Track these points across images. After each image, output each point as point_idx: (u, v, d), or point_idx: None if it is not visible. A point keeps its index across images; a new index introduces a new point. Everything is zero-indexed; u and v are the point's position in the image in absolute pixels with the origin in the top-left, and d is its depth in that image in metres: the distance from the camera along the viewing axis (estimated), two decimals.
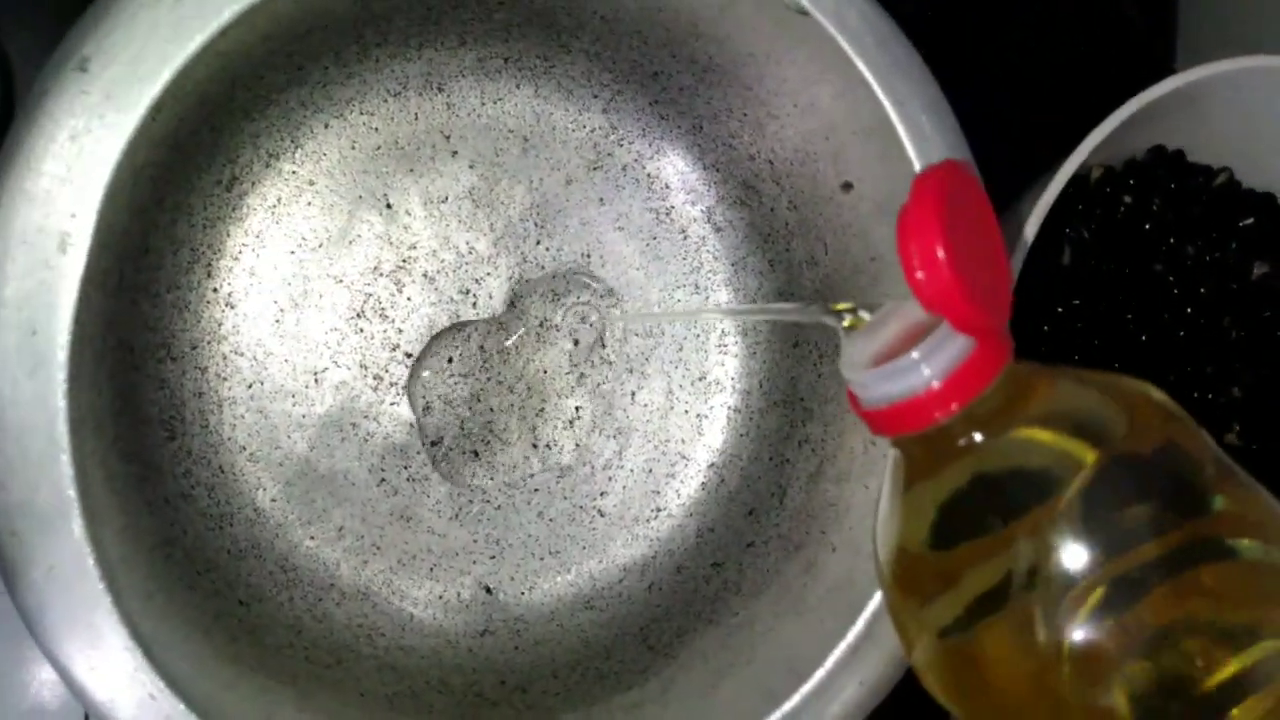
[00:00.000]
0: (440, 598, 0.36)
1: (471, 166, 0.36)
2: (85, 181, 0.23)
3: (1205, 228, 0.38)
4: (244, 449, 0.34)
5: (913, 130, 0.27)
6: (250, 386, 0.35)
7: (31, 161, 0.22)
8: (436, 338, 0.36)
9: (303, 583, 0.34)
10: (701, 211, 0.38)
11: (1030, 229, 0.32)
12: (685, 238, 0.38)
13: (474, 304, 0.36)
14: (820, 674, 0.26)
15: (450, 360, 0.36)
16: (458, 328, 0.36)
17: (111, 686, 0.23)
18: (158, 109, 0.24)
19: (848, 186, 0.31)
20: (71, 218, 0.23)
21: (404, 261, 0.36)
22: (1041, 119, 0.40)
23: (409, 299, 0.36)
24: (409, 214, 0.36)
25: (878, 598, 0.27)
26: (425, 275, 0.36)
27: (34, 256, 0.23)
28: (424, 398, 0.36)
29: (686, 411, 0.38)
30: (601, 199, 0.37)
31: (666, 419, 0.38)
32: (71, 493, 0.23)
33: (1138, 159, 0.38)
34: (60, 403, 0.23)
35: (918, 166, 0.27)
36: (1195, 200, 0.38)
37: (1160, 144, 0.38)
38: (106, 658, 0.23)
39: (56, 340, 0.23)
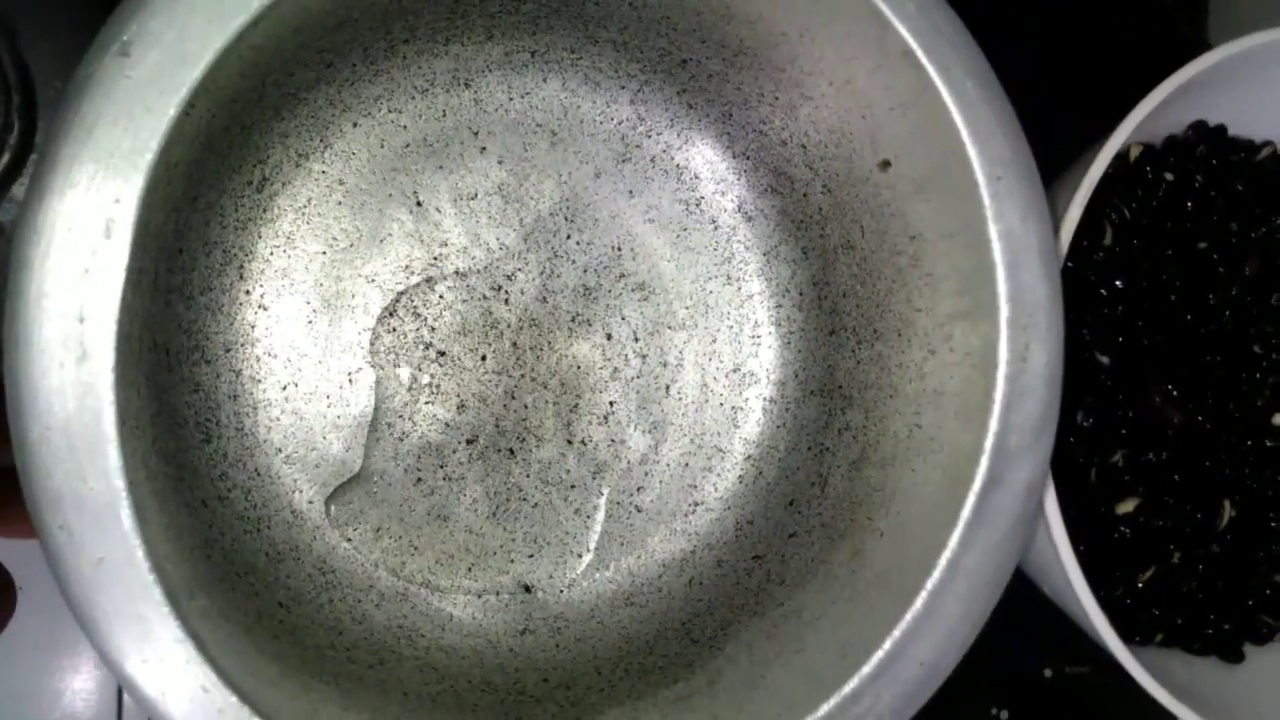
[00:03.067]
0: (479, 597, 0.35)
1: (500, 162, 0.36)
2: (129, 167, 0.23)
3: (1249, 203, 0.37)
4: (280, 451, 0.34)
5: (959, 97, 0.26)
6: (285, 389, 0.34)
7: (75, 148, 0.22)
8: (466, 331, 0.36)
9: (341, 584, 0.34)
10: (732, 201, 0.37)
11: (1074, 211, 0.31)
12: (716, 228, 0.38)
13: (506, 300, 0.36)
14: (878, 655, 0.25)
15: (484, 358, 0.36)
16: (490, 324, 0.36)
17: (164, 679, 0.22)
18: (194, 100, 0.24)
19: (885, 165, 0.30)
20: (116, 203, 0.23)
21: (435, 259, 0.36)
22: (1072, 98, 0.40)
23: (441, 297, 0.36)
24: (439, 211, 0.36)
25: (936, 575, 0.26)
26: (457, 273, 0.36)
27: (79, 244, 0.23)
28: (458, 396, 0.36)
29: (721, 404, 0.37)
30: (631, 191, 0.37)
31: (701, 412, 0.37)
32: (120, 483, 0.22)
33: (1178, 136, 0.38)
34: (107, 392, 0.23)
35: (965, 135, 0.26)
36: (1238, 176, 0.37)
37: (1201, 119, 0.37)
38: (158, 650, 0.22)
39: (104, 328, 0.23)
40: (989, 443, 0.26)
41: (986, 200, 0.27)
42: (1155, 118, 0.33)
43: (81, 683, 0.47)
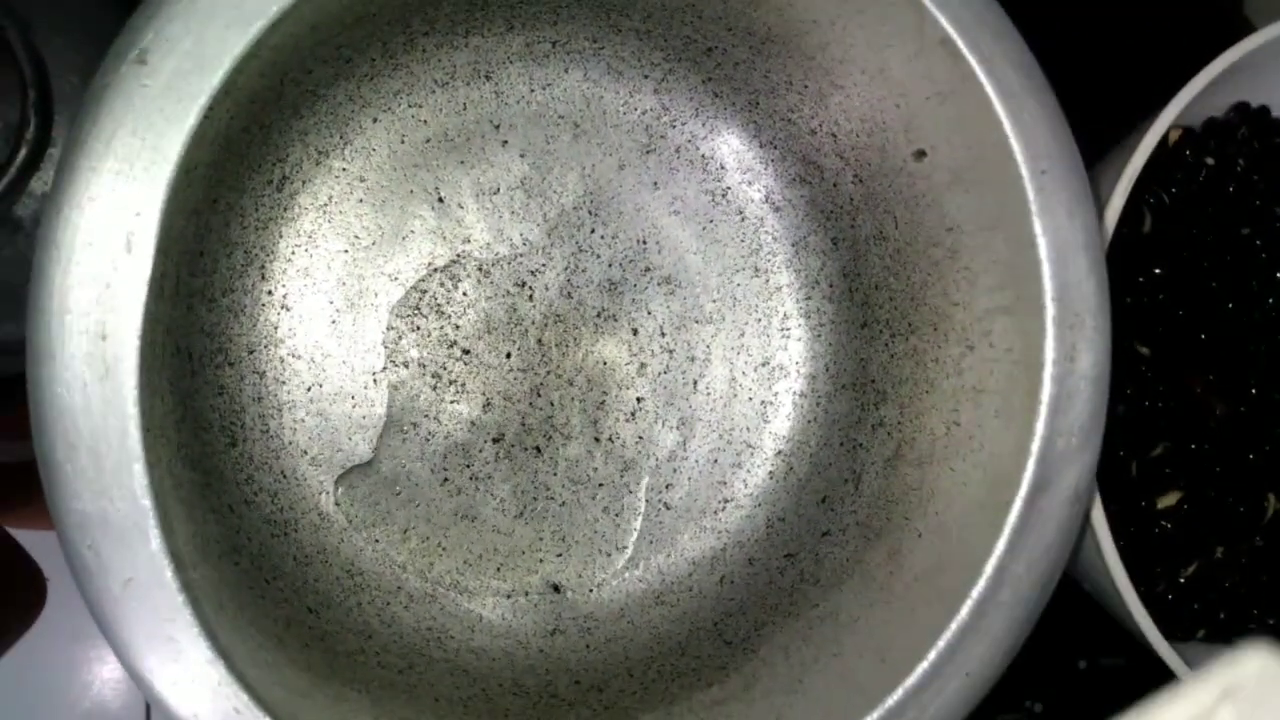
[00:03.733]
0: (508, 597, 0.35)
1: (522, 155, 0.36)
2: (149, 178, 0.22)
3: None
4: (305, 453, 0.34)
5: (1001, 88, 0.25)
6: (309, 390, 0.34)
7: (94, 160, 0.22)
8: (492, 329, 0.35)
9: (370, 587, 0.34)
10: (759, 191, 0.36)
11: (1117, 200, 0.30)
12: (743, 219, 0.37)
13: (530, 296, 0.36)
14: (923, 667, 0.25)
15: (509, 355, 0.35)
16: (514, 321, 0.35)
17: (195, 701, 0.22)
18: (213, 106, 0.23)
19: (921, 155, 0.29)
20: (136, 216, 0.22)
21: (458, 256, 0.35)
22: (1110, 82, 0.39)
23: (464, 294, 0.35)
24: (461, 207, 0.35)
25: (981, 584, 0.25)
26: (480, 269, 0.35)
27: (100, 259, 0.22)
28: (484, 393, 0.35)
29: (750, 399, 0.37)
30: (656, 183, 0.36)
31: (730, 407, 0.37)
32: (147, 502, 0.22)
33: (1218, 118, 0.37)
34: (132, 409, 0.22)
35: (1008, 127, 0.25)
36: None
37: (1243, 100, 0.36)
38: (188, 671, 0.22)
39: (126, 344, 0.22)
40: (1036, 446, 0.26)
41: (1031, 194, 0.26)
42: (1196, 101, 0.32)
43: (110, 673, 0.47)
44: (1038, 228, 0.26)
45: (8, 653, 0.39)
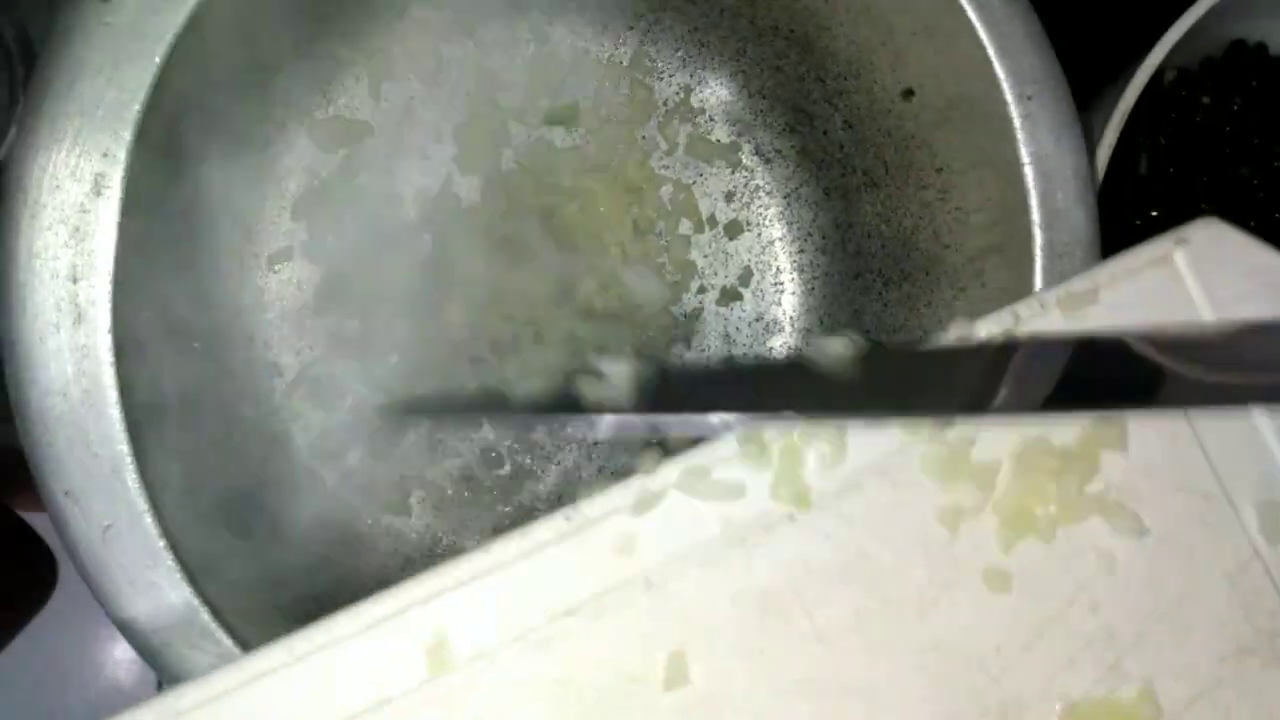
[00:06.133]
0: None
1: (509, 109, 0.35)
2: (115, 118, 0.22)
3: None
4: (297, 416, 0.33)
5: (984, 13, 0.25)
6: (298, 354, 0.34)
7: (59, 101, 0.21)
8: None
9: (364, 549, 0.34)
10: (749, 142, 0.36)
11: (1110, 135, 0.30)
12: (733, 172, 0.36)
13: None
14: None
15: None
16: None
17: (179, 648, 0.22)
18: (180, 49, 0.23)
19: (909, 94, 0.29)
20: (104, 157, 0.22)
21: (449, 225, 0.35)
22: (1103, 22, 0.38)
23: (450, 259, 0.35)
24: (445, 166, 0.35)
25: None
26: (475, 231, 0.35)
27: (68, 201, 0.22)
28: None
29: (745, 354, 0.36)
30: (643, 137, 0.36)
31: None
32: (124, 446, 0.22)
33: (1215, 57, 0.36)
34: (107, 355, 0.22)
35: (992, 52, 0.25)
36: None
37: (1240, 38, 0.35)
38: (172, 616, 0.22)
39: (99, 288, 0.22)
40: None
41: (1017, 121, 0.25)
42: (1191, 39, 0.31)
43: (122, 652, 0.47)
44: (1024, 155, 0.25)
45: (20, 632, 0.39)
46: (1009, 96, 0.25)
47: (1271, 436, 0.23)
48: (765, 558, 0.21)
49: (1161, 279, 0.23)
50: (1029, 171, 0.25)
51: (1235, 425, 0.23)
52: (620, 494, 0.21)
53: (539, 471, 0.35)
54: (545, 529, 0.20)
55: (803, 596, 0.21)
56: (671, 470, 0.21)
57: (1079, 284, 0.23)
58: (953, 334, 0.22)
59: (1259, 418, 0.23)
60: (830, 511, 0.21)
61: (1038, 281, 0.25)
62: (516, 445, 0.35)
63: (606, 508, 0.21)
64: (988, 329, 0.22)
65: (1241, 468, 0.23)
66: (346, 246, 0.34)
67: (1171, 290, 0.23)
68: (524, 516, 0.34)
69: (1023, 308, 0.23)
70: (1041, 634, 0.22)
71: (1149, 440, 0.23)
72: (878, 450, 0.22)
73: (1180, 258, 0.23)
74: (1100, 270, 0.23)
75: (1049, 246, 0.25)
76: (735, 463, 0.21)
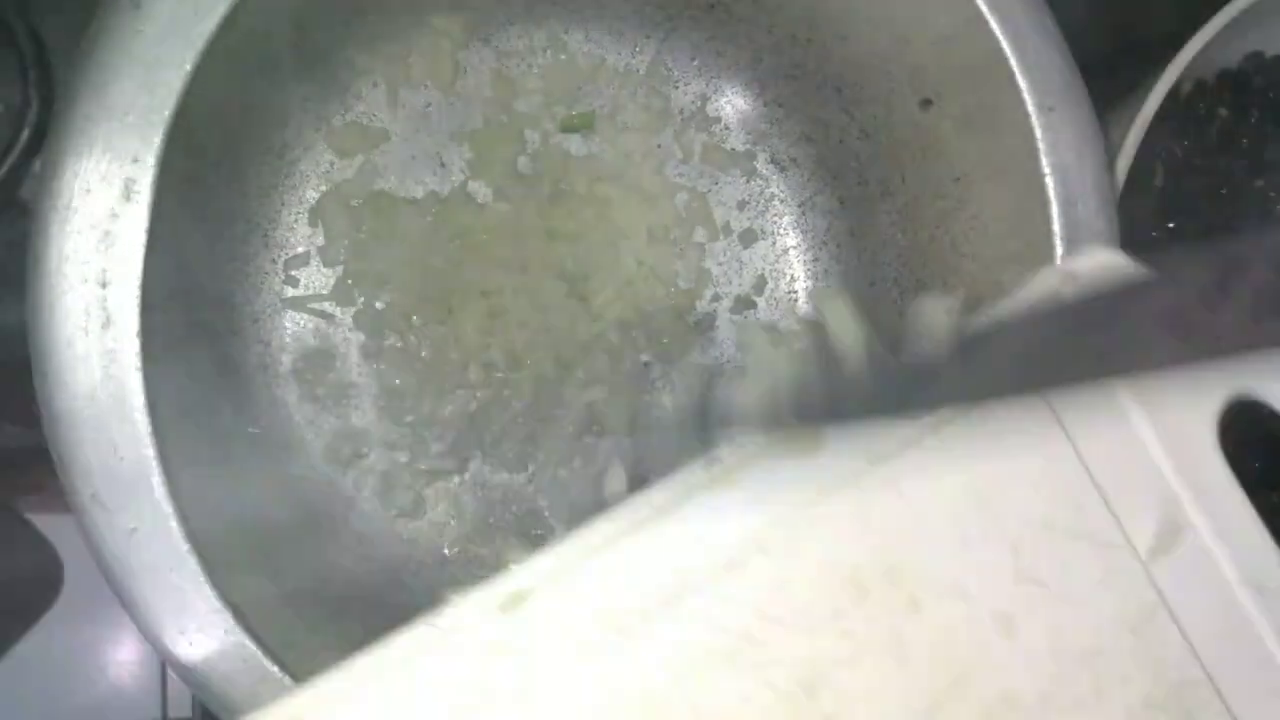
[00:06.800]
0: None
1: (525, 119, 0.35)
2: (146, 124, 0.22)
3: None
4: (312, 421, 0.34)
5: (1007, 25, 0.25)
6: (315, 357, 0.34)
7: (90, 107, 0.22)
8: None
9: (379, 554, 0.34)
10: (765, 150, 0.36)
11: (1129, 147, 0.30)
12: (748, 180, 0.36)
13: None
14: None
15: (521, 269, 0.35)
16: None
17: (204, 650, 0.22)
18: (211, 56, 0.23)
19: (927, 104, 0.29)
20: (134, 163, 0.22)
21: (464, 231, 0.35)
22: (1122, 33, 0.38)
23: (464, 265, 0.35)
24: (462, 172, 0.35)
25: None
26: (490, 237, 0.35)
27: (98, 206, 0.22)
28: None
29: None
30: (659, 145, 0.36)
31: (742, 376, 0.36)
32: (150, 451, 0.22)
33: (1232, 69, 0.36)
34: (134, 359, 0.22)
35: (1014, 64, 0.25)
36: None
37: (1258, 50, 0.36)
38: (196, 621, 0.22)
39: (128, 292, 0.22)
40: None
41: (1039, 133, 0.25)
42: (1209, 52, 0.32)
43: (126, 655, 0.47)
44: (1046, 167, 0.25)
45: (25, 635, 0.39)
46: (1031, 109, 0.25)
47: (1173, 476, 0.22)
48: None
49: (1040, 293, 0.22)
50: (1050, 182, 0.26)
51: (1134, 465, 0.22)
52: (489, 593, 0.20)
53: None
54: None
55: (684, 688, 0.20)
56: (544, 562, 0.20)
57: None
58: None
59: (1158, 456, 0.22)
60: (708, 594, 0.20)
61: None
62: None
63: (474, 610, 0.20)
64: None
65: (1140, 508, 0.22)
66: (362, 252, 0.34)
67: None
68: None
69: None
70: (941, 705, 0.21)
71: (1045, 485, 0.22)
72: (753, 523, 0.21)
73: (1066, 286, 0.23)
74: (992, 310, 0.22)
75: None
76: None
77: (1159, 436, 0.23)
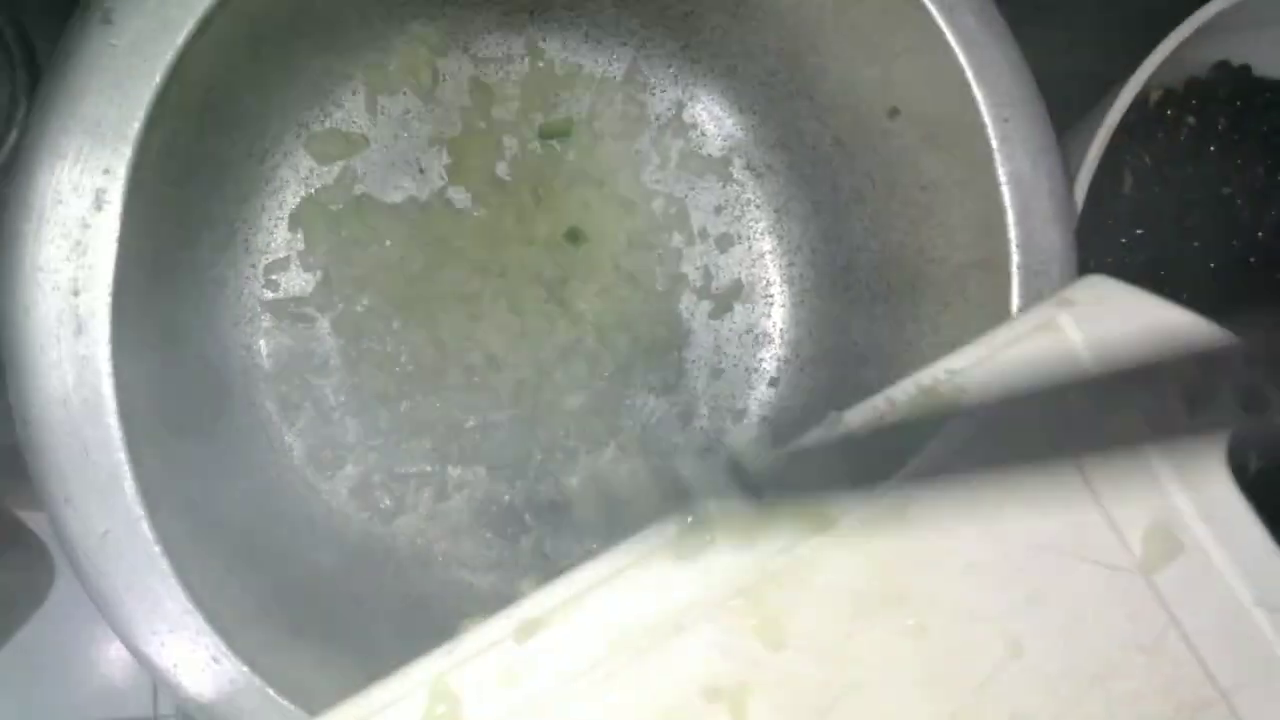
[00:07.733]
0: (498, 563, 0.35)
1: (503, 126, 0.36)
2: (117, 137, 0.22)
3: (1276, 146, 0.36)
4: (293, 425, 0.34)
5: (962, 36, 0.25)
6: (295, 361, 0.34)
7: (62, 119, 0.22)
8: None
9: (359, 556, 0.34)
10: (740, 157, 0.37)
11: (1093, 154, 0.30)
12: (724, 186, 0.37)
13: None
14: None
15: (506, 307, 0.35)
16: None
17: (175, 652, 0.22)
18: (182, 68, 0.23)
19: (894, 112, 0.29)
20: (105, 174, 0.22)
21: (443, 237, 0.35)
22: (1089, 40, 0.39)
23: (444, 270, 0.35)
24: (441, 178, 0.35)
25: None
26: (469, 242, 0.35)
27: (70, 216, 0.22)
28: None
29: (735, 366, 0.37)
30: (636, 151, 0.36)
31: (716, 375, 0.37)
32: (121, 455, 0.22)
33: (1200, 78, 0.36)
34: (106, 365, 0.23)
35: (970, 75, 0.25)
36: (1264, 117, 0.36)
37: (1224, 59, 0.36)
38: (167, 621, 0.22)
39: (99, 300, 0.23)
40: None
41: (995, 143, 0.26)
42: (1177, 60, 0.32)
43: (117, 652, 0.48)
44: (1002, 175, 0.26)
45: (17, 631, 0.39)
46: (987, 118, 0.26)
47: (1181, 498, 0.22)
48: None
49: (1048, 344, 0.23)
50: (1006, 191, 0.26)
51: (1137, 486, 0.22)
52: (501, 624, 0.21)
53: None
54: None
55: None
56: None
57: (959, 360, 0.22)
58: (823, 428, 0.22)
59: (1165, 479, 0.22)
60: (718, 622, 0.21)
61: (1015, 297, 0.26)
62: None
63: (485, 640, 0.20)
64: (860, 418, 0.22)
65: (1146, 530, 0.22)
66: (342, 257, 0.34)
67: (1059, 353, 0.23)
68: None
69: (897, 391, 0.22)
70: None
71: (1049, 510, 0.22)
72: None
73: (1066, 320, 0.23)
74: (985, 341, 0.23)
75: (1026, 264, 0.26)
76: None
77: (1162, 451, 0.23)
